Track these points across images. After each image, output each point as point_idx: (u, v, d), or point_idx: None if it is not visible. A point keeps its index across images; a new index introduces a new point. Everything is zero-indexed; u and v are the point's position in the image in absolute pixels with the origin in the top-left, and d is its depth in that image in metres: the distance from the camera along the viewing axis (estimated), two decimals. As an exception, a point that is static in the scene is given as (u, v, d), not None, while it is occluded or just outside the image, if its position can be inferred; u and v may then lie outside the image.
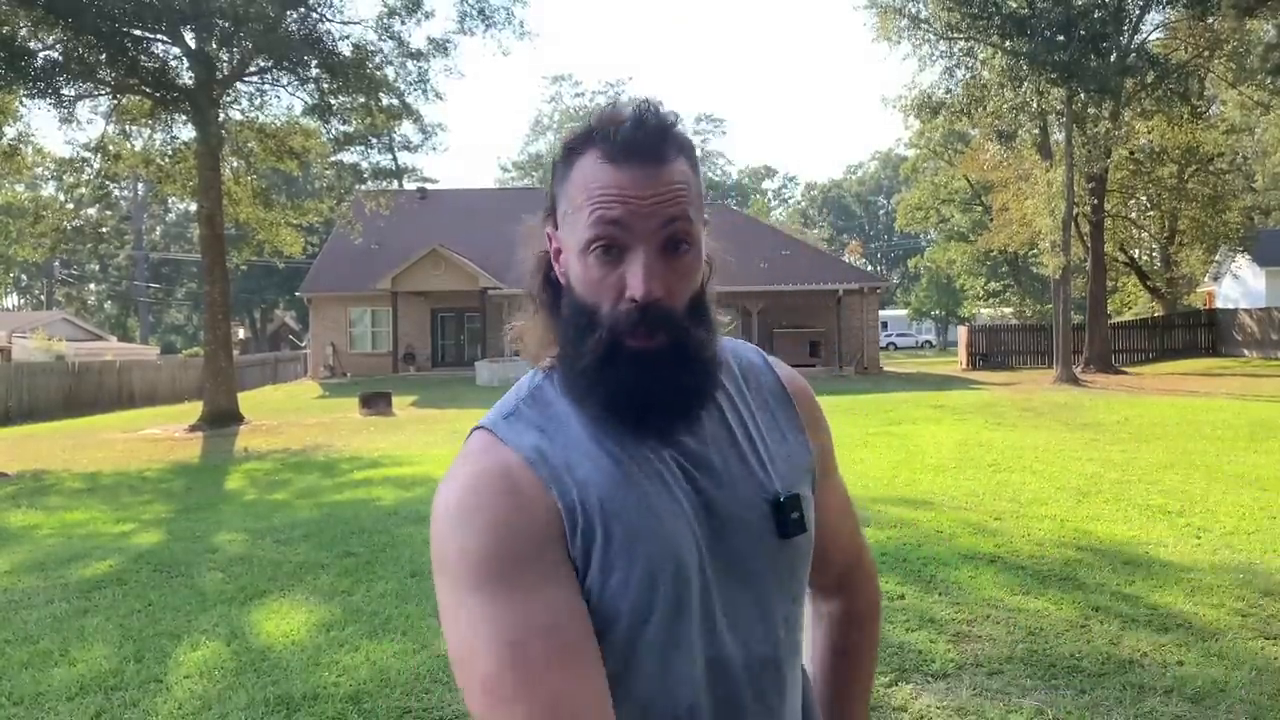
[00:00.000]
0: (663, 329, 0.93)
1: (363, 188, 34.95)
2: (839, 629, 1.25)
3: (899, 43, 25.12)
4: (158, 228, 58.46)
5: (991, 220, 33.85)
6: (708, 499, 0.97)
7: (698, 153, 1.02)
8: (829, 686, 1.24)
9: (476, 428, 0.98)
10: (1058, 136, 24.52)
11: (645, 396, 0.93)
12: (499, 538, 0.87)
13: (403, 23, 19.56)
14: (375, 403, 18.29)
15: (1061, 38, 21.38)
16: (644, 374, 0.92)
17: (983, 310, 52.29)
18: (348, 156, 30.65)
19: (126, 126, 19.10)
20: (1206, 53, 24.05)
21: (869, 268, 62.08)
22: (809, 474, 1.08)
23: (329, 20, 18.75)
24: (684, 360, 0.94)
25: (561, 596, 0.86)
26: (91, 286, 61.94)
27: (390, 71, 19.92)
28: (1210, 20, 22.85)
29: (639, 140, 0.92)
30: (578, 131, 0.97)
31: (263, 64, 18.71)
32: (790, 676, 1.03)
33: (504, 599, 0.85)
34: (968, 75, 24.93)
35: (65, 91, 17.14)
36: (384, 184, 44.80)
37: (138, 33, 17.24)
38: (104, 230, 24.95)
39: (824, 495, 1.13)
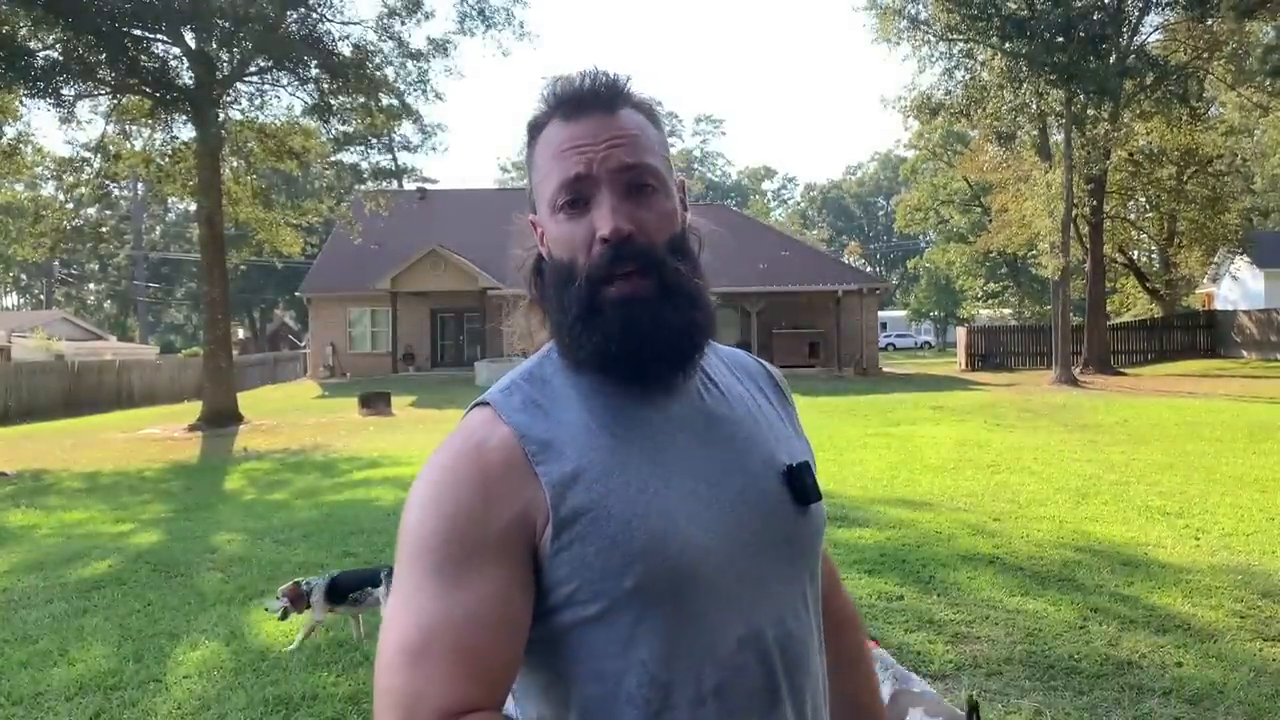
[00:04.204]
0: (638, 264, 0.91)
1: (362, 188, 34.99)
2: (837, 637, 1.15)
3: (899, 44, 25.13)
4: (157, 227, 58.40)
5: (990, 221, 33.89)
6: (721, 467, 0.95)
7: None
8: (845, 698, 1.16)
9: (477, 402, 0.96)
10: (1057, 138, 24.53)
11: (636, 338, 0.90)
12: (453, 526, 0.86)
13: (403, 23, 19.60)
14: (374, 403, 18.29)
15: (1061, 39, 21.40)
16: (630, 315, 0.90)
17: (982, 311, 52.30)
18: (347, 156, 30.74)
19: (126, 126, 19.09)
20: (1206, 54, 24.08)
21: (868, 268, 62.07)
22: (811, 458, 1.06)
23: (329, 20, 18.78)
24: (668, 295, 0.92)
25: (492, 593, 0.85)
26: (91, 286, 61.89)
27: (390, 72, 19.95)
28: (1209, 22, 22.88)
29: (586, 94, 0.95)
30: (536, 110, 0.99)
31: (263, 64, 18.71)
32: (814, 659, 0.99)
33: (432, 587, 0.85)
34: (967, 76, 24.95)
35: (65, 91, 17.14)
36: (384, 184, 44.83)
37: (138, 32, 17.24)
38: (103, 230, 24.90)
39: None
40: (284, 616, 4.49)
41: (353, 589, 4.56)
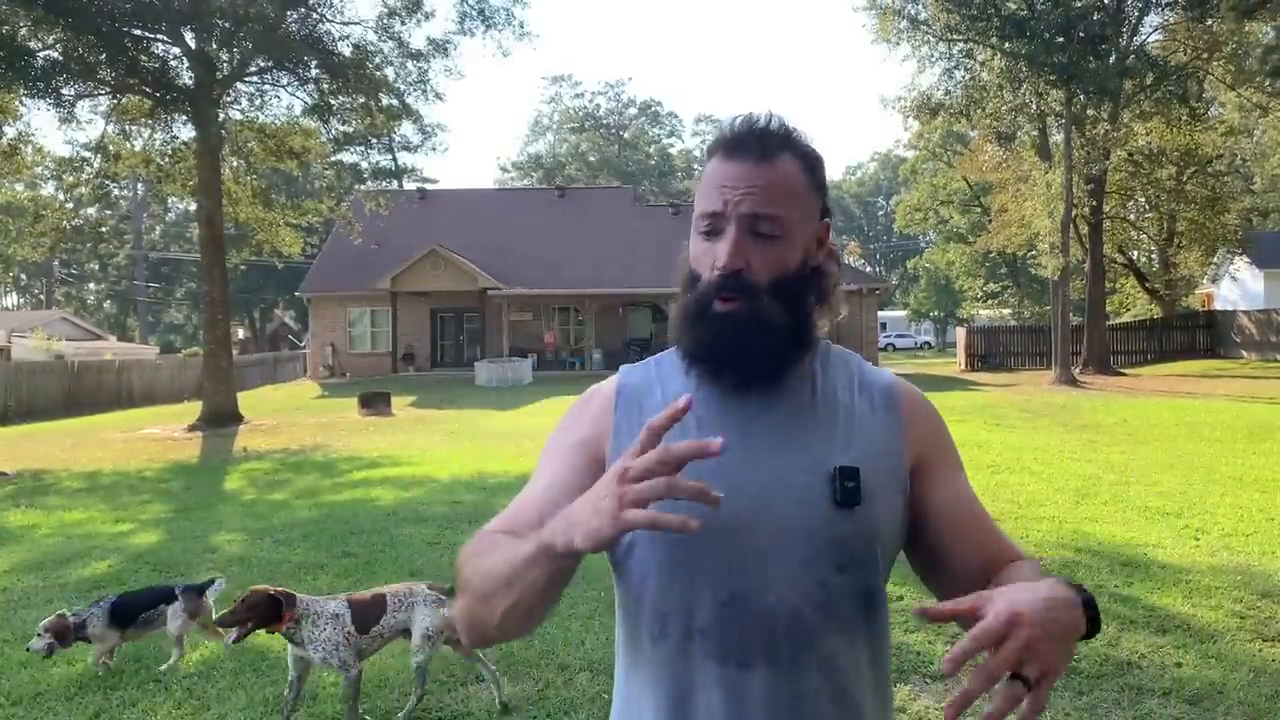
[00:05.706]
0: (740, 295, 1.09)
1: (362, 188, 34.99)
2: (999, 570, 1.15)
3: (898, 44, 25.13)
4: (157, 227, 58.39)
5: (990, 221, 33.88)
6: (773, 455, 1.10)
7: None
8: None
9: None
10: (1057, 138, 24.54)
11: (717, 350, 1.11)
12: (564, 427, 1.22)
13: (403, 23, 19.60)
14: (374, 403, 18.28)
15: (1060, 39, 21.40)
16: (719, 332, 1.11)
17: (981, 311, 52.28)
18: (347, 156, 30.76)
19: (126, 126, 19.07)
20: (1205, 55, 24.08)
21: (868, 268, 62.05)
22: (895, 475, 1.14)
23: (329, 20, 18.78)
24: (756, 325, 1.10)
25: (548, 483, 1.15)
26: (91, 286, 61.87)
27: (390, 72, 19.95)
28: (1209, 22, 22.88)
29: (744, 139, 1.11)
30: (716, 137, 1.17)
31: (263, 64, 18.70)
32: (819, 641, 1.06)
33: (547, 457, 1.20)
34: (967, 77, 24.93)
35: (65, 91, 17.13)
36: (383, 184, 44.86)
37: (138, 32, 17.23)
38: (103, 230, 24.96)
39: (948, 493, 1.18)
40: (49, 654, 4.07)
41: (143, 609, 4.31)
